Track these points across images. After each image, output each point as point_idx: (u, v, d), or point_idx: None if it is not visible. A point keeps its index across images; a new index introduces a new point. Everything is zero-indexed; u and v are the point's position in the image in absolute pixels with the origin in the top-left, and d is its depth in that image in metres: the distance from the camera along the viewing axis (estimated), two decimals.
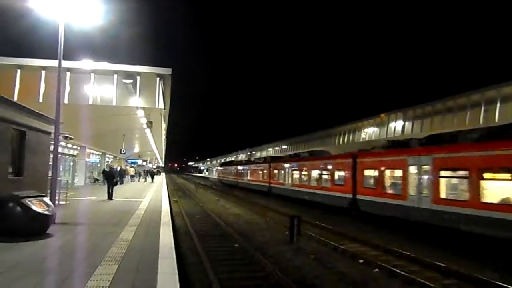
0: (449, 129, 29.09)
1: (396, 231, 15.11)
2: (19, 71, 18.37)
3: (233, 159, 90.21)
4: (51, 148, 13.15)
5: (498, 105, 27.23)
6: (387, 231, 15.36)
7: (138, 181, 47.64)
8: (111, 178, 20.06)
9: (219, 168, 72.87)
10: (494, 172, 11.38)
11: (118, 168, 39.70)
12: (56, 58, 11.82)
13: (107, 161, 45.16)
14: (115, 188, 20.05)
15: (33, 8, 11.20)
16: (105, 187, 20.22)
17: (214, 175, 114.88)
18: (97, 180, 34.39)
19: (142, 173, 54.07)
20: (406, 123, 36.59)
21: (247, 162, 51.27)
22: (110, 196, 19.23)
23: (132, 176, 48.28)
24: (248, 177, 42.98)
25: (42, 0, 11.00)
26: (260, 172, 37.69)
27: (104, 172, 22.39)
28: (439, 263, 9.97)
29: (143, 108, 21.04)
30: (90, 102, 18.88)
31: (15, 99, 16.28)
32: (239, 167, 49.48)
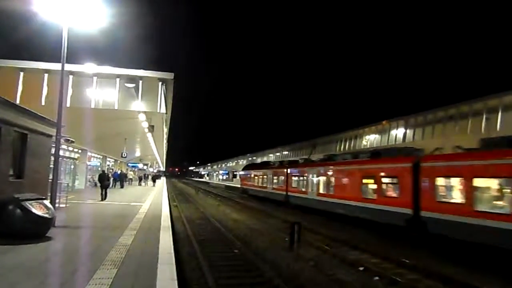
0: (450, 137, 29.14)
1: None
2: (22, 74, 18.46)
3: (238, 161, 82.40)
4: (52, 151, 13.18)
5: (499, 113, 27.23)
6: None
7: (139, 184, 47.64)
8: (105, 180, 21.61)
9: (244, 172, 45.91)
10: None
11: (119, 172, 39.95)
12: (59, 62, 11.88)
13: (108, 165, 45.26)
14: (113, 190, 20.69)
15: (37, 12, 11.28)
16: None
17: (216, 180, 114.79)
18: (97, 184, 34.54)
19: (142, 177, 53.97)
20: (408, 131, 36.61)
21: (314, 162, 26.95)
22: (102, 198, 20.64)
23: (130, 179, 48.82)
24: (328, 190, 21.85)
25: (46, 5, 11.08)
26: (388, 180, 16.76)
27: (99, 175, 23.64)
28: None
29: (145, 112, 21.11)
30: (92, 106, 18.95)
31: (18, 101, 16.35)
32: (303, 170, 26.27)
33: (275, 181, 31.92)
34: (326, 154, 31.79)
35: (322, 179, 22.73)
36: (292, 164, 30.43)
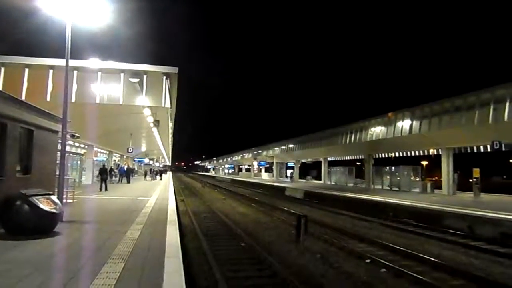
0: (457, 128, 28.90)
1: None
2: (27, 70, 18.52)
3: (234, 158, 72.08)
4: (59, 146, 13.24)
5: (507, 104, 26.86)
6: None
7: (145, 179, 47.93)
8: (104, 174, 24.44)
9: None
10: None
11: (125, 167, 40.21)
12: (63, 57, 11.88)
13: (114, 160, 45.50)
14: (119, 185, 21.38)
15: (40, 7, 11.26)
16: (114, 185, 22.22)
17: (221, 174, 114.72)
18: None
19: (148, 172, 54.17)
20: (414, 122, 36.28)
21: None
22: (101, 189, 23.16)
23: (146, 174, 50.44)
24: None
25: (49, 0, 11.05)
26: None
27: (100, 169, 26.08)
28: None
29: (150, 107, 21.13)
30: (97, 101, 18.99)
31: (23, 98, 16.41)
32: None
33: None
34: None
35: None
36: None
